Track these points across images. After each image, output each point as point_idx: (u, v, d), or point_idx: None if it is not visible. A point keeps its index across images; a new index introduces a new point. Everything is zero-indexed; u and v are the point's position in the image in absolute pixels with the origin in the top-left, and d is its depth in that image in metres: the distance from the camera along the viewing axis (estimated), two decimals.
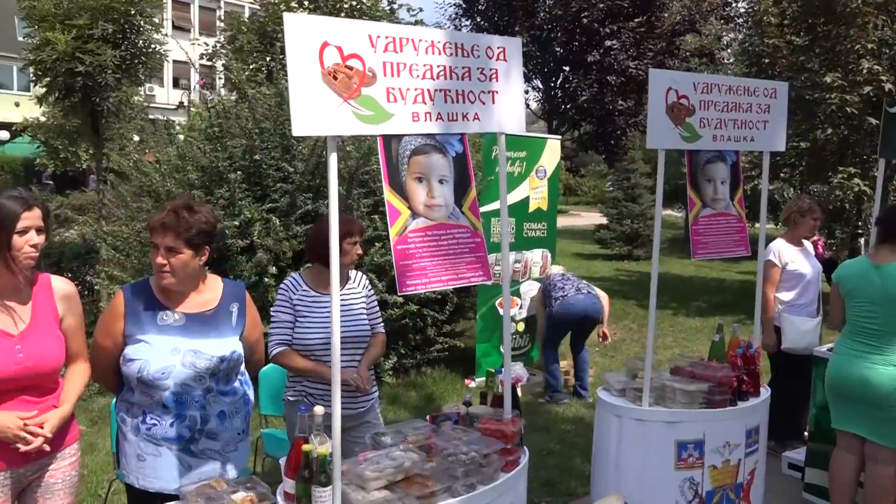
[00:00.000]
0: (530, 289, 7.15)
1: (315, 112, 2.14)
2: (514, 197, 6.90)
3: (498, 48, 2.61)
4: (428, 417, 2.82)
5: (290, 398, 3.29)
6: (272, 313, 3.29)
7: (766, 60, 10.09)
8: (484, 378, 6.82)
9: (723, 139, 3.44)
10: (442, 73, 2.45)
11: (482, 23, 9.96)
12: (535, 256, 7.12)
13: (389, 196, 2.29)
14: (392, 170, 2.31)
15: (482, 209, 6.83)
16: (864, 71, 9.23)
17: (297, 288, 3.27)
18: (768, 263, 4.89)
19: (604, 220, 17.63)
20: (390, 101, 2.31)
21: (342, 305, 3.20)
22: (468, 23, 10.27)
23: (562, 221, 27.55)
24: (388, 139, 2.32)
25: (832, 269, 12.25)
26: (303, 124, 2.13)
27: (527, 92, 10.23)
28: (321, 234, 3.13)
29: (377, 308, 3.44)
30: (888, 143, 4.30)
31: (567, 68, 8.87)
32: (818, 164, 10.99)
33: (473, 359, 6.86)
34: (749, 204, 17.19)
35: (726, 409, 3.42)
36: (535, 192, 7.03)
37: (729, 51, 10.95)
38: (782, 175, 11.81)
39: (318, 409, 2.38)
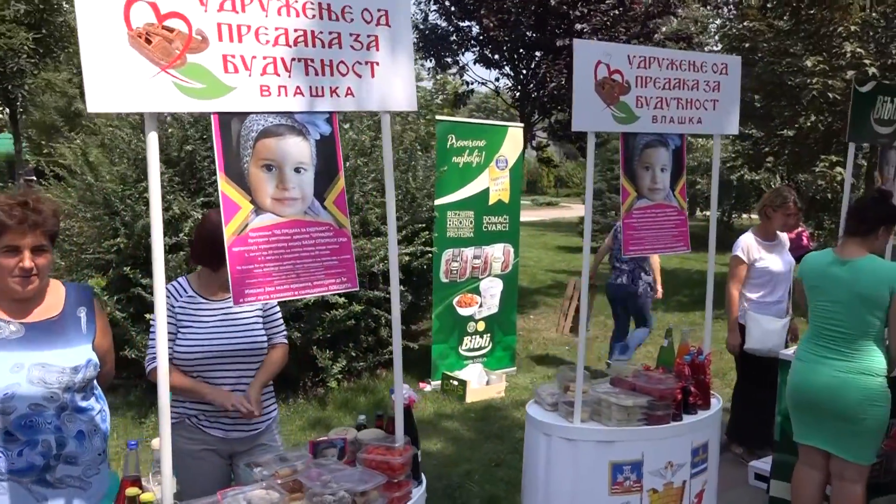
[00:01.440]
0: (491, 286, 6.75)
1: (119, 83, 1.76)
2: (472, 189, 6.51)
3: (378, 11, 2.20)
4: (308, 444, 2.43)
5: (172, 420, 2.89)
6: (151, 322, 2.89)
7: (747, 45, 9.67)
8: (440, 381, 6.49)
9: (664, 121, 3.04)
10: (302, 38, 2.05)
11: (449, 6, 9.53)
12: (497, 252, 6.72)
13: (224, 187, 1.88)
14: (230, 155, 1.90)
15: (438, 201, 6.53)
16: (848, 55, 8.83)
17: (181, 294, 2.87)
18: (735, 259, 4.57)
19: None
20: (229, 72, 1.92)
21: (229, 315, 2.82)
22: (435, 7, 9.88)
23: (551, 214, 27.26)
24: (225, 118, 1.93)
25: None
26: (101, 99, 1.73)
27: (497, 80, 9.95)
28: (206, 233, 2.73)
29: (277, 316, 3.03)
30: (857, 126, 3.90)
31: (539, 54, 8.47)
32: (803, 153, 10.62)
33: (430, 360, 6.47)
34: (736, 195, 16.97)
35: (669, 425, 3.03)
36: (495, 183, 6.63)
37: (710, 34, 10.53)
38: (767, 164, 11.44)
39: (154, 443, 1.98)
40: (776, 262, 4.59)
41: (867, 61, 8.50)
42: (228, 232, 1.86)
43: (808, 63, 8.48)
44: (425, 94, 9.35)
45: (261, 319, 2.93)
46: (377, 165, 6.33)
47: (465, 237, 6.50)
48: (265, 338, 2.93)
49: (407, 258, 6.09)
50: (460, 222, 6.45)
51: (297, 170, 2.00)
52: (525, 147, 9.71)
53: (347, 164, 5.90)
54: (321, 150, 2.07)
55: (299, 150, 2.05)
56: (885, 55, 9.11)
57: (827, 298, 3.44)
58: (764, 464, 4.60)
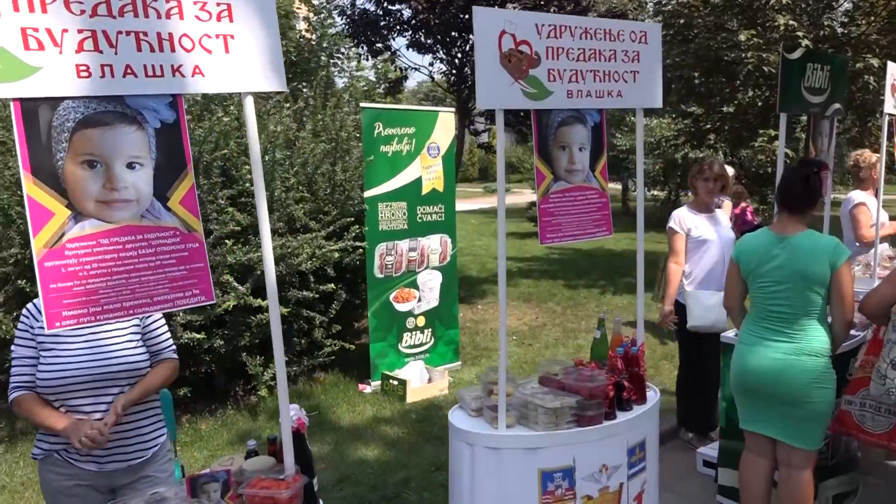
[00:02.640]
0: (430, 279, 6.48)
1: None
2: (404, 178, 6.21)
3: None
4: (185, 480, 2.11)
5: (37, 456, 2.53)
6: (12, 349, 2.52)
7: (682, 20, 9.56)
8: (380, 381, 6.20)
9: (580, 95, 2.78)
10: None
11: None
12: (433, 243, 6.44)
13: (30, 189, 1.63)
14: (38, 150, 1.65)
15: (368, 193, 6.22)
16: (781, 27, 8.77)
17: (41, 313, 2.51)
18: (669, 231, 4.47)
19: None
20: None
21: (97, 336, 2.47)
22: None
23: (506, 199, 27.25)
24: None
25: None
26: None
27: (431, 64, 9.61)
28: None
29: (160, 330, 2.69)
30: (788, 95, 3.71)
31: (472, 36, 8.15)
32: (742, 129, 10.60)
33: (369, 361, 6.17)
34: (682, 174, 16.94)
35: (602, 425, 2.80)
36: (428, 171, 6.34)
37: (646, 10, 10.39)
38: (708, 142, 11.42)
39: None
40: (711, 231, 4.48)
41: (800, 33, 8.45)
42: (38, 245, 1.54)
43: (742, 37, 8.39)
44: (368, 83, 8.98)
45: (137, 337, 2.59)
46: (301, 158, 5.98)
47: (399, 229, 6.20)
48: (145, 357, 2.58)
49: (338, 254, 5.76)
50: (393, 214, 6.15)
51: (129, 165, 1.67)
52: (463, 133, 9.43)
53: (266, 157, 5.53)
54: (162, 141, 1.74)
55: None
56: (818, 27, 9.10)
57: (767, 278, 3.26)
58: (712, 450, 4.45)
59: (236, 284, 5.07)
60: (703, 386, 4.68)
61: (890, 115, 5.12)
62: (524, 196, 26.69)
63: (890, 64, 4.98)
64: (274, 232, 5.52)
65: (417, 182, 6.28)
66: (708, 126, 10.76)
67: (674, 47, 10.13)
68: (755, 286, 3.33)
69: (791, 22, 8.46)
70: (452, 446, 2.86)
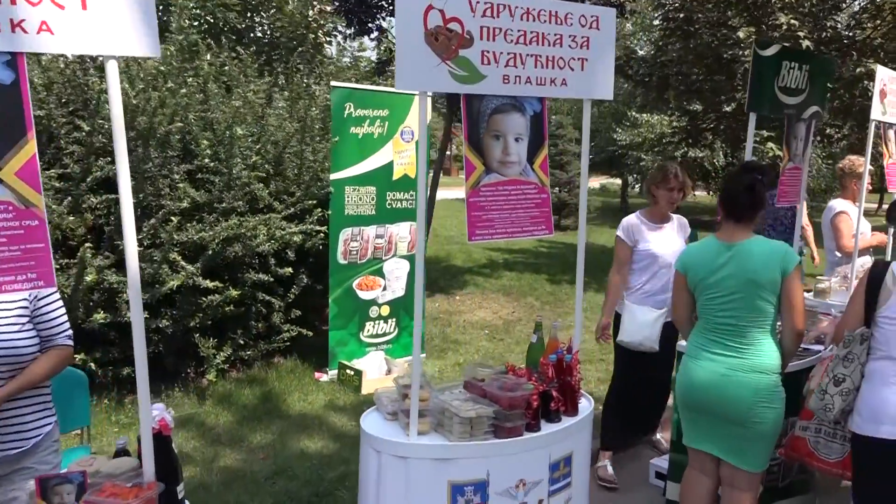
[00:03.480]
0: (396, 267, 6.28)
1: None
2: (374, 162, 5.99)
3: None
4: (34, 482, 1.92)
5: None
6: None
7: (682, 15, 9.28)
8: (336, 371, 6.03)
9: (519, 81, 2.56)
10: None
11: None
12: (402, 231, 6.24)
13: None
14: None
15: (334, 176, 6.01)
16: (784, 26, 8.49)
17: None
18: (616, 240, 4.14)
19: None
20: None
21: None
22: None
23: None
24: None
25: None
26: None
27: (380, 41, 9.11)
28: None
29: (53, 312, 2.49)
30: (758, 94, 3.48)
31: None
32: (739, 129, 10.34)
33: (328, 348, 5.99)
34: (699, 175, 16.62)
35: (520, 438, 2.61)
36: (400, 156, 6.12)
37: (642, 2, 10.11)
38: (705, 140, 11.15)
39: None
40: (662, 245, 4.07)
41: (801, 33, 8.18)
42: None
43: (741, 34, 8.11)
44: (369, 63, 8.72)
45: (25, 318, 2.39)
46: (266, 135, 5.77)
47: (367, 214, 5.99)
48: (33, 342, 2.38)
49: (297, 238, 5.56)
50: (360, 199, 5.94)
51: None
52: (451, 119, 9.21)
53: (227, 132, 5.32)
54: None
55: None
56: (821, 28, 8.82)
57: (716, 289, 3.06)
58: (664, 461, 4.26)
59: (184, 264, 4.88)
60: (629, 403, 4.39)
61: (878, 122, 4.89)
62: None
63: (879, 68, 4.74)
64: (232, 210, 5.33)
65: (388, 167, 6.07)
66: (704, 125, 10.49)
67: (673, 42, 9.87)
68: (703, 297, 3.14)
69: (793, 21, 8.18)
70: (362, 451, 2.67)
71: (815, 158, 15.14)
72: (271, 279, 5.46)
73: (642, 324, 3.95)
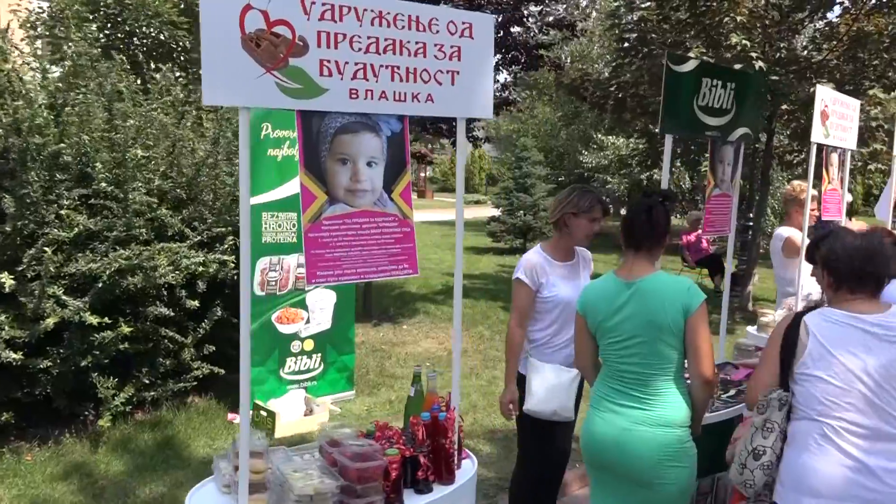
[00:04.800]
0: (321, 298, 5.87)
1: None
2: (295, 186, 5.58)
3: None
4: None
5: None
6: None
7: (636, 35, 9.05)
8: (251, 411, 5.56)
9: (371, 97, 2.19)
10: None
11: None
12: None
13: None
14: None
15: (253, 200, 5.61)
16: (738, 47, 8.25)
17: None
18: (516, 284, 3.31)
19: (497, 212, 16.50)
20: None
21: None
22: None
23: (476, 212, 26.53)
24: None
25: (716, 268, 11.23)
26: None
27: None
28: None
29: None
30: (673, 113, 3.15)
31: None
32: (698, 151, 10.10)
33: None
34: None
35: None
36: None
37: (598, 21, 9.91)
38: (662, 163, 10.88)
39: None
40: (572, 288, 3.28)
41: (753, 54, 7.95)
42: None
43: (691, 55, 7.86)
44: None
45: None
46: (170, 157, 5.36)
47: (287, 242, 5.58)
48: None
49: (202, 268, 5.13)
50: (280, 225, 5.53)
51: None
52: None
53: (125, 154, 4.90)
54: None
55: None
56: (776, 49, 8.62)
57: (616, 333, 2.71)
58: None
59: (66, 298, 4.43)
60: (541, 490, 3.48)
61: (819, 144, 4.60)
62: (489, 209, 26.00)
63: (820, 88, 4.45)
64: (132, 239, 4.90)
65: None
66: (661, 147, 10.24)
67: (629, 64, 9.63)
68: (603, 342, 2.79)
69: (745, 42, 7.96)
70: None
71: (781, 181, 14.99)
72: (175, 313, 5.01)
73: (555, 387, 3.21)
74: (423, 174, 35.85)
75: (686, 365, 2.68)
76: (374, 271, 2.24)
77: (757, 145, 10.32)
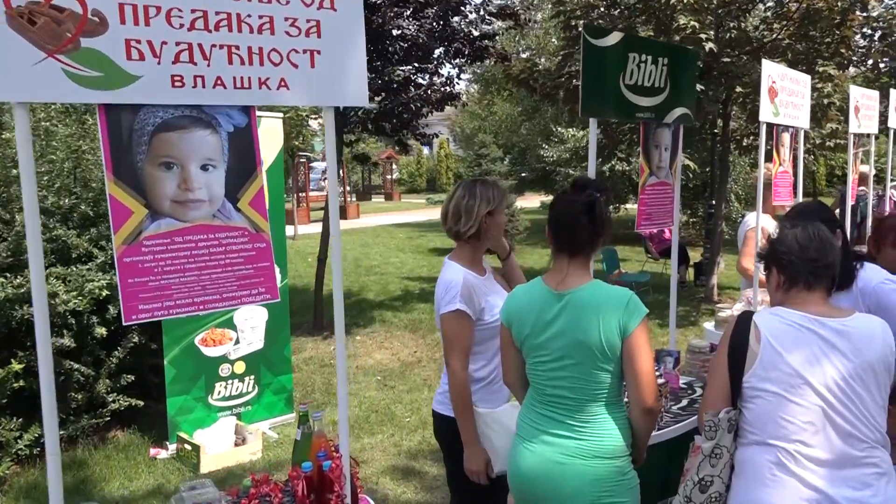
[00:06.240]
0: (251, 317, 5.42)
1: None
2: None
3: None
4: None
5: None
6: None
7: (583, 22, 8.72)
8: (176, 444, 5.12)
9: (203, 84, 1.77)
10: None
11: None
12: None
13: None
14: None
15: None
16: (689, 29, 7.95)
17: None
18: (452, 317, 2.58)
19: None
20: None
21: None
22: None
23: (435, 213, 26.20)
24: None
25: (681, 259, 10.94)
26: None
27: None
28: None
29: None
30: (594, 93, 2.76)
31: None
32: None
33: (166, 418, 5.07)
34: (629, 188, 16.24)
35: None
36: None
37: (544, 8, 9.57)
38: (619, 153, 10.60)
39: None
40: (497, 301, 2.68)
41: (703, 35, 7.65)
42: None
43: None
44: None
45: None
46: (75, 171, 4.88)
47: None
48: None
49: (107, 291, 4.66)
50: None
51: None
52: (341, 141, 8.42)
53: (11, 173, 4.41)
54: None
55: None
56: (725, 29, 8.35)
57: (543, 352, 2.32)
58: None
59: None
60: None
61: (767, 123, 4.27)
62: None
63: (765, 63, 4.12)
64: (25, 264, 4.41)
65: None
66: (618, 136, 9.93)
67: (577, 52, 9.30)
68: (530, 360, 2.39)
69: (693, 23, 7.66)
70: None
71: (743, 166, 14.80)
72: (81, 342, 4.54)
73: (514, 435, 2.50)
74: (389, 176, 35.30)
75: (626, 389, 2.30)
76: (218, 300, 1.82)
77: (715, 130, 10.07)
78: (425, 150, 39.09)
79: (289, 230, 19.39)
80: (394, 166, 35.55)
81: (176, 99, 1.73)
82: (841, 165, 20.55)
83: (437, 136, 9.73)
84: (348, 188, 29.67)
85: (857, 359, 2.05)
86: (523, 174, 19.73)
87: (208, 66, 1.77)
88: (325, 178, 27.44)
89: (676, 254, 3.97)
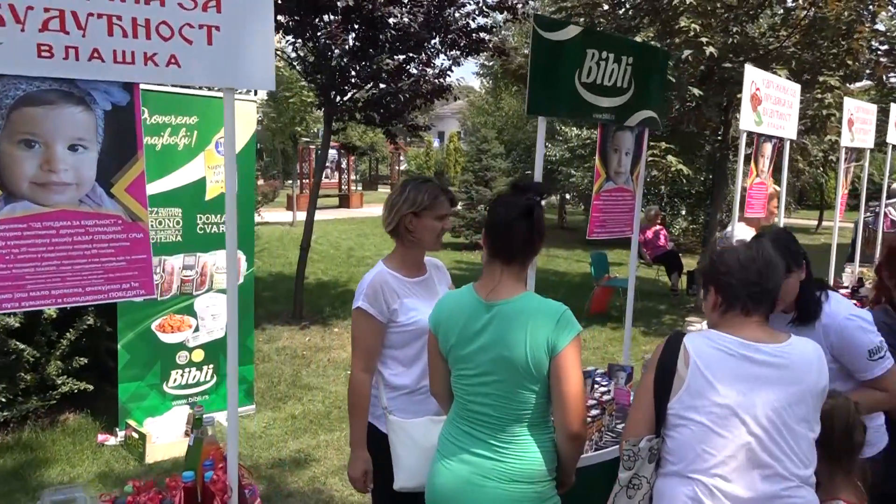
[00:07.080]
0: (212, 304, 5.28)
1: None
2: (178, 179, 5.00)
3: None
4: None
5: None
6: None
7: (582, 19, 8.51)
8: (124, 431, 4.98)
9: (77, 56, 1.61)
10: None
11: None
12: (219, 260, 5.24)
13: None
14: None
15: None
16: (692, 32, 7.73)
17: None
18: (358, 315, 2.50)
19: (457, 207, 15.92)
20: None
21: None
22: None
23: None
24: None
25: (674, 266, 10.72)
26: None
27: (293, 44, 8.00)
28: None
29: None
30: (543, 90, 2.59)
31: (331, 17, 6.98)
32: (651, 139, 9.58)
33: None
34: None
35: None
36: (214, 171, 5.15)
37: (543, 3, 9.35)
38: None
39: None
40: (426, 309, 2.46)
41: (704, 39, 7.44)
42: None
43: (638, 39, 7.34)
44: None
45: None
46: None
47: (170, 241, 4.99)
48: None
49: None
50: (160, 223, 4.93)
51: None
52: (329, 130, 8.26)
53: None
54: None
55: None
56: (728, 34, 8.12)
57: (467, 365, 2.16)
58: None
59: None
60: None
61: (748, 132, 4.09)
62: None
63: (748, 69, 3.94)
64: None
65: (199, 185, 5.08)
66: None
67: None
68: (455, 372, 2.24)
69: (695, 26, 7.44)
70: None
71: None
72: (20, 323, 4.41)
73: (427, 451, 2.37)
74: (397, 167, 35.10)
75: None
76: (80, 293, 1.66)
77: (717, 136, 9.85)
78: (435, 143, 38.89)
79: (289, 216, 19.33)
80: (402, 157, 35.35)
81: (42, 70, 1.57)
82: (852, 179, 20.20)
83: (430, 129, 9.56)
84: (353, 177, 29.53)
85: (791, 387, 1.89)
86: (528, 172, 19.50)
87: (83, 36, 1.61)
88: (331, 167, 27.36)
89: (634, 267, 3.80)
